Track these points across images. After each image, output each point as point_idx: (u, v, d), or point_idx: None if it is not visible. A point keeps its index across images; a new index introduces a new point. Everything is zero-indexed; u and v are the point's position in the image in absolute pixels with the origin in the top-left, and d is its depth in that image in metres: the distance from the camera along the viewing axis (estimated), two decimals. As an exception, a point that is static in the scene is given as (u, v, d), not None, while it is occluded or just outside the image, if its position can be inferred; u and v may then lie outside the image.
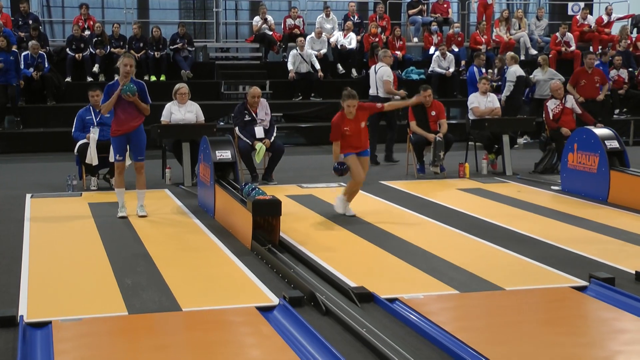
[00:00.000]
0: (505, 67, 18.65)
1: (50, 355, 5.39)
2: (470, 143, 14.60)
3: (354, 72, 21.24)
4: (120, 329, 6.11)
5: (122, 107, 9.91)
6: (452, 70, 20.76)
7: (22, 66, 18.22)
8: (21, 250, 8.46)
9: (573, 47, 22.17)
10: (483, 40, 22.05)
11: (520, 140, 17.98)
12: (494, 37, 22.49)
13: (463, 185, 12.74)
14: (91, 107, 12.53)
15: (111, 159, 11.46)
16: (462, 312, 6.53)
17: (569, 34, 22.28)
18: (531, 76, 18.90)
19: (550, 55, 20.88)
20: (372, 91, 15.02)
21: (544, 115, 14.29)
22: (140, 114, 10.00)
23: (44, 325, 6.00)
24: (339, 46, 21.13)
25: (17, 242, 8.89)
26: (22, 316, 6.10)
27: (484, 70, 17.96)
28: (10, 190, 12.37)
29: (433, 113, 13.68)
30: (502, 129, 14.11)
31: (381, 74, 14.80)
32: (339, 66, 21.19)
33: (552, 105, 14.09)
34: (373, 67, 15.25)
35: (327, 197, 11.48)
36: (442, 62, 20.86)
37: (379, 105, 10.80)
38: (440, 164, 13.35)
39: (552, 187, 12.47)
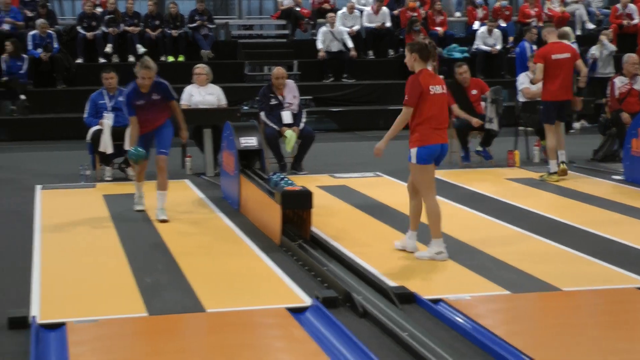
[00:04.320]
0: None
1: (65, 358, 5.46)
2: (520, 128, 14.51)
3: (390, 51, 21.20)
4: (139, 331, 6.18)
5: (143, 110, 9.75)
6: (498, 47, 20.67)
7: (29, 47, 18.42)
8: (32, 246, 8.57)
9: (636, 20, 21.95)
10: (533, 13, 21.91)
11: (577, 125, 17.87)
12: (546, 10, 22.33)
13: (513, 175, 12.69)
14: (104, 91, 12.61)
15: (127, 146, 11.52)
16: (513, 315, 6.52)
17: (631, 5, 22.04)
18: (591, 53, 18.75)
19: (610, 30, 20.68)
20: None
21: (608, 92, 14.09)
22: (165, 112, 9.89)
23: (58, 326, 6.08)
24: (374, 26, 21.06)
25: (27, 237, 8.99)
26: (34, 317, 6.19)
27: (535, 46, 17.84)
28: (19, 181, 12.52)
29: (474, 92, 13.57)
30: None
31: None
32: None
33: (619, 82, 13.80)
34: None
35: (362, 188, 11.49)
36: (488, 39, 20.77)
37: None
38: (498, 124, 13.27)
39: (613, 177, 12.39)
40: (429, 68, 7.93)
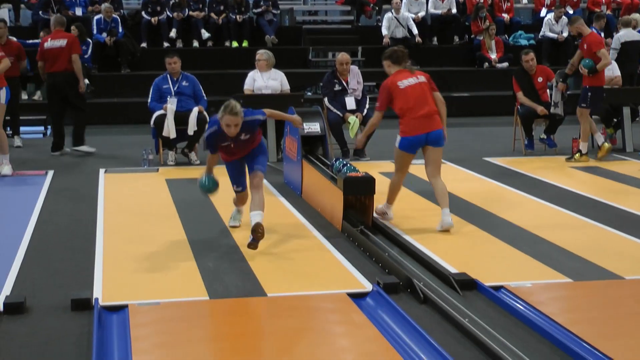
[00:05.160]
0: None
1: (127, 340, 5.56)
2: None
3: (456, 38, 21.07)
4: (200, 314, 6.24)
5: (230, 149, 8.11)
6: (565, 34, 20.42)
7: (94, 31, 18.64)
8: (95, 229, 8.71)
9: None
10: (603, 0, 21.60)
11: (644, 113, 17.60)
12: (615, -3, 22.02)
13: (577, 163, 12.56)
14: (168, 75, 12.70)
15: (190, 131, 11.64)
16: (575, 303, 6.48)
17: None
18: None
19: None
20: None
21: None
22: (256, 139, 8.20)
23: (120, 309, 6.19)
24: (440, 12, 20.93)
25: (90, 220, 9.15)
26: (97, 299, 6.30)
27: (603, 34, 17.60)
28: (83, 164, 12.70)
29: (540, 79, 13.41)
30: (623, 101, 13.84)
31: None
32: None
33: None
34: None
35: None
36: (555, 26, 20.53)
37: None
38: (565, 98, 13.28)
39: (682, 166, 12.24)
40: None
